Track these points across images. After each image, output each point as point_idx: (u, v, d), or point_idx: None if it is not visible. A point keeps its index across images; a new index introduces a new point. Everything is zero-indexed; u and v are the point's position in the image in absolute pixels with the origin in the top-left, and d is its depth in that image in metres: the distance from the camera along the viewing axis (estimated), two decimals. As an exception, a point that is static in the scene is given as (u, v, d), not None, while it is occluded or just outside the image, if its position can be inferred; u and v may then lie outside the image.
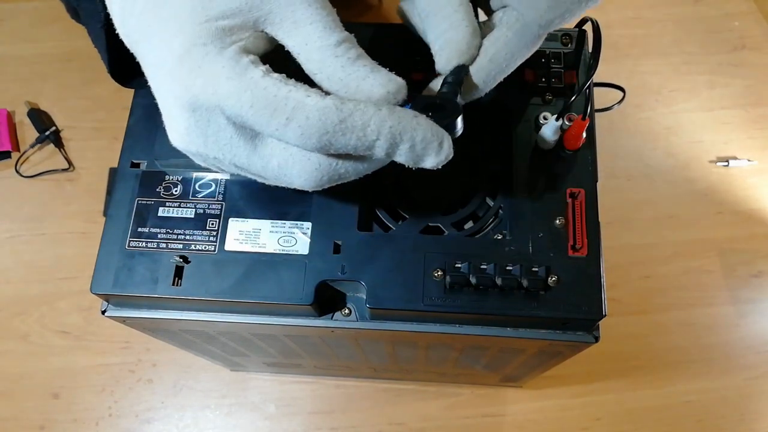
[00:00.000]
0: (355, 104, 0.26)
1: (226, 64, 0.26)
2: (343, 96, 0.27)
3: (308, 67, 0.28)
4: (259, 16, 0.27)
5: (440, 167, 0.27)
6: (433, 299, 0.32)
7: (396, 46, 0.37)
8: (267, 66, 0.27)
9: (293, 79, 0.27)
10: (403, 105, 0.28)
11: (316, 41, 0.27)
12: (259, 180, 0.30)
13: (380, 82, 0.27)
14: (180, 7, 0.27)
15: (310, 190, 0.28)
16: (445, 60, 0.30)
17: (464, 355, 0.43)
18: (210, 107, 0.27)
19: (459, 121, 0.28)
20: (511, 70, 0.31)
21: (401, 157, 0.27)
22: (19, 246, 0.66)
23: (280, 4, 0.27)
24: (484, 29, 0.31)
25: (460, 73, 0.30)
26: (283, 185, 0.29)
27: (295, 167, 0.27)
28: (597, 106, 0.37)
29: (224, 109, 0.26)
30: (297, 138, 0.26)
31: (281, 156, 0.28)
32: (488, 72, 0.31)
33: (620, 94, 0.41)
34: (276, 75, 0.26)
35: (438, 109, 0.28)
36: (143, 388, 0.62)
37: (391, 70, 0.28)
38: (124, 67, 0.34)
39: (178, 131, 0.28)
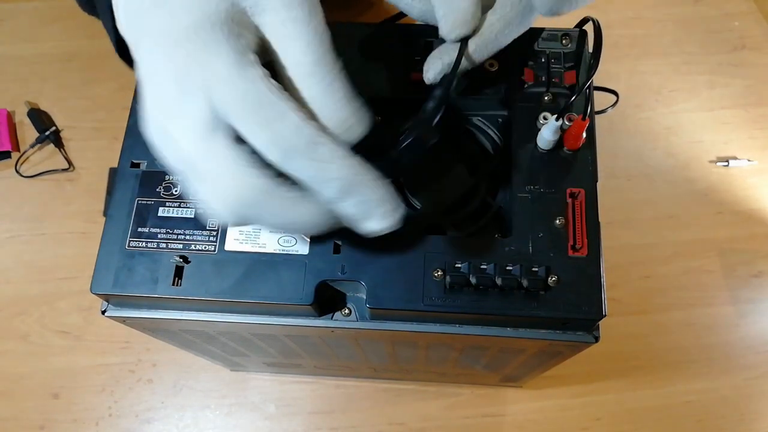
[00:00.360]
0: (333, 139, 0.26)
1: (232, 55, 0.26)
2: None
3: (286, 75, 0.28)
4: (254, 13, 0.27)
5: (378, 234, 0.27)
6: (433, 299, 0.32)
7: (396, 46, 0.37)
8: (267, 71, 0.27)
9: (287, 93, 0.27)
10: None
11: (296, 56, 0.27)
12: None
13: (345, 111, 0.27)
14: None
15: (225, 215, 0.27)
16: (449, 28, 0.31)
17: (464, 355, 0.43)
18: (199, 87, 0.26)
19: (433, 139, 0.30)
20: (505, 45, 0.33)
21: (348, 208, 0.27)
22: (19, 246, 0.66)
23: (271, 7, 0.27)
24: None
25: (447, 85, 0.31)
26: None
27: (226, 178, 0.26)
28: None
29: (213, 92, 0.26)
30: (266, 140, 0.26)
31: (226, 158, 0.26)
32: (490, 47, 0.32)
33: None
34: (274, 81, 0.26)
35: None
36: (143, 388, 0.62)
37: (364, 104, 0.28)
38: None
39: (161, 91, 0.27)
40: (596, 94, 0.37)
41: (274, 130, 0.26)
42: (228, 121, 0.26)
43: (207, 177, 0.26)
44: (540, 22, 0.35)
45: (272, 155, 0.26)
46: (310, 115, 0.27)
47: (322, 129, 0.26)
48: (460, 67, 0.32)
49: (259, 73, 0.26)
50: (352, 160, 0.26)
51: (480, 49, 0.32)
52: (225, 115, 0.26)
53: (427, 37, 0.37)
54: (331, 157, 0.26)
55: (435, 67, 0.33)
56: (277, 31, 0.27)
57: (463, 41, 0.32)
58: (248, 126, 0.26)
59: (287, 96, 0.26)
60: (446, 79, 0.32)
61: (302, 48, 0.27)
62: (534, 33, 0.37)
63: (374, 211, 0.27)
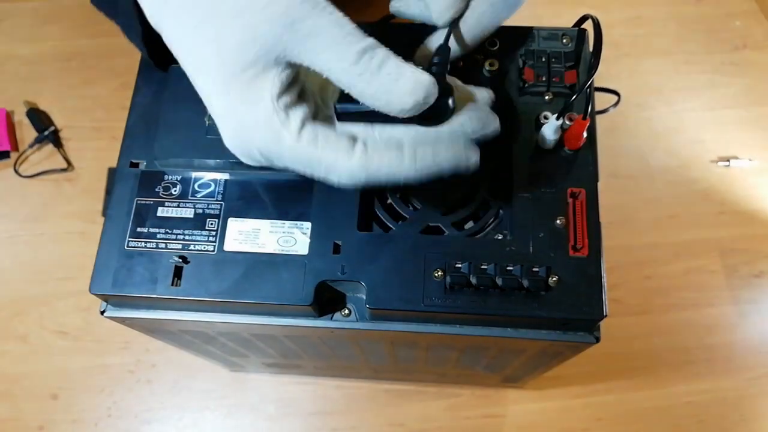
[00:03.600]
0: (380, 157, 0.28)
1: (261, 120, 0.27)
2: (381, 109, 0.27)
3: (340, 86, 0.28)
4: (278, 54, 0.27)
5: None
6: (433, 299, 0.32)
7: (396, 45, 0.36)
8: (303, 118, 0.28)
9: (329, 128, 0.28)
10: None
11: (335, 65, 0.27)
12: None
13: (407, 91, 0.27)
14: (209, 59, 0.27)
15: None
16: (439, 12, 0.32)
17: (465, 356, 0.43)
18: (252, 148, 0.28)
19: (450, 100, 0.29)
20: (495, 29, 0.33)
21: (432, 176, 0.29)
22: (18, 246, 0.66)
23: (292, 42, 0.27)
24: None
25: (446, 53, 0.32)
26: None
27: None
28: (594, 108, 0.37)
29: (263, 154, 0.28)
30: (337, 185, 0.28)
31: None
32: (480, 29, 0.33)
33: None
34: (307, 134, 0.28)
35: None
36: (142, 389, 0.62)
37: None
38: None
39: (227, 142, 0.29)
40: (597, 93, 0.36)
41: (334, 180, 0.28)
42: None
43: None
44: (541, 21, 0.34)
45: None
46: None
47: (368, 151, 0.28)
48: (453, 52, 0.33)
49: (291, 136, 0.28)
50: (406, 164, 0.28)
51: (471, 30, 0.33)
52: None
53: (425, 36, 0.37)
54: (389, 175, 0.28)
55: (423, 53, 0.34)
56: (304, 51, 0.27)
57: (453, 23, 0.32)
58: (311, 175, 0.29)
59: (324, 141, 0.28)
60: (443, 47, 0.32)
61: (336, 55, 0.27)
62: (534, 32, 0.37)
63: (456, 170, 0.29)
